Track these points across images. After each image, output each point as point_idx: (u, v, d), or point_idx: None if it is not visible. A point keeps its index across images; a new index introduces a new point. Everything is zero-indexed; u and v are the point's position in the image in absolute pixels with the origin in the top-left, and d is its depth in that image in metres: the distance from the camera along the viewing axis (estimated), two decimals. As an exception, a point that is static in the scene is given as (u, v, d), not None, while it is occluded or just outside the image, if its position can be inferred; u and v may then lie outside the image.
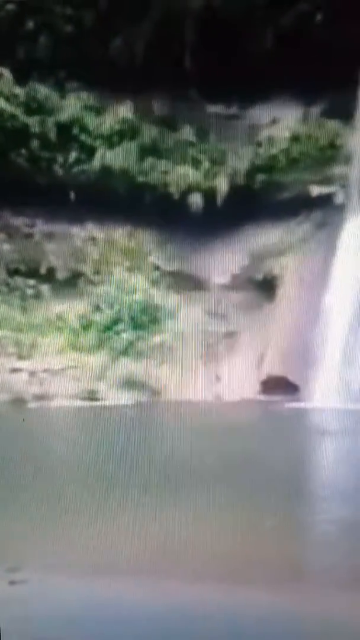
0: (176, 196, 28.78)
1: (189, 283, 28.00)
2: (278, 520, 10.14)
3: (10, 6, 29.52)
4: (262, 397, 24.54)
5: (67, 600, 6.29)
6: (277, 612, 6.57)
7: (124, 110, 30.13)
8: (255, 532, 9.54)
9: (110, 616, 5.26)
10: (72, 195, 28.69)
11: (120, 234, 29.12)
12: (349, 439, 19.96)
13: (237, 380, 24.88)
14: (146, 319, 26.70)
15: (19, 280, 28.17)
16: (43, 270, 28.58)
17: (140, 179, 29.35)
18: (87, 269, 28.53)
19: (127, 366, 24.85)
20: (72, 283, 28.14)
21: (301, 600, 6.97)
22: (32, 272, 28.33)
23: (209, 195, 28.57)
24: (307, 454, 17.41)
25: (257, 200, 27.59)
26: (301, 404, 23.68)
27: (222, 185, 28.73)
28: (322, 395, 23.96)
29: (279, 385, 24.41)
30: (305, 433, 20.83)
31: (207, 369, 24.77)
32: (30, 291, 27.98)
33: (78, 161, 29.48)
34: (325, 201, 27.48)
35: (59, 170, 29.40)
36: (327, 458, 17.55)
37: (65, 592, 6.72)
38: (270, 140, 29.00)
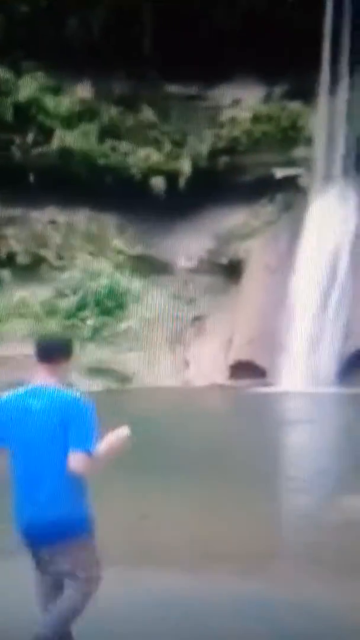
0: (138, 178, 28.43)
1: (154, 267, 27.80)
2: (245, 504, 10.01)
3: None
4: (231, 382, 24.51)
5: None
6: (246, 595, 6.56)
7: (83, 91, 29.62)
8: (221, 517, 9.45)
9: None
10: (32, 177, 28.14)
11: (82, 217, 28.73)
12: (315, 422, 20.13)
13: (206, 365, 24.82)
14: (112, 304, 26.41)
15: (-22, 266, 27.69)
16: (3, 255, 28.09)
17: (101, 161, 28.94)
18: (49, 253, 28.11)
19: (95, 353, 24.55)
20: (34, 268, 27.69)
21: (270, 584, 7.04)
22: (-8, 258, 27.86)
23: (172, 177, 28.27)
24: (274, 438, 17.46)
25: (220, 183, 27.35)
26: (269, 389, 23.73)
27: (184, 167, 28.47)
28: (290, 379, 24.04)
29: (247, 370, 24.40)
30: (273, 417, 20.91)
31: (176, 355, 24.65)
32: (-10, 277, 27.50)
33: (36, 143, 28.92)
34: (289, 183, 27.48)
35: (17, 152, 28.81)
36: (295, 441, 17.61)
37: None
38: (232, 121, 28.79)
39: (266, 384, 23.95)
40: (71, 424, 4.43)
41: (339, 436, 17.39)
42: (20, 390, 4.64)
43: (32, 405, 4.50)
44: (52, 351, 4.68)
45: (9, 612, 5.62)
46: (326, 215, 26.16)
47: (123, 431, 4.59)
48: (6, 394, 4.69)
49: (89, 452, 4.40)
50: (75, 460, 4.39)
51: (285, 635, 5.73)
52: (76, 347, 23.51)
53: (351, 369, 24.08)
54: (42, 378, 4.61)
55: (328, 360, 24.31)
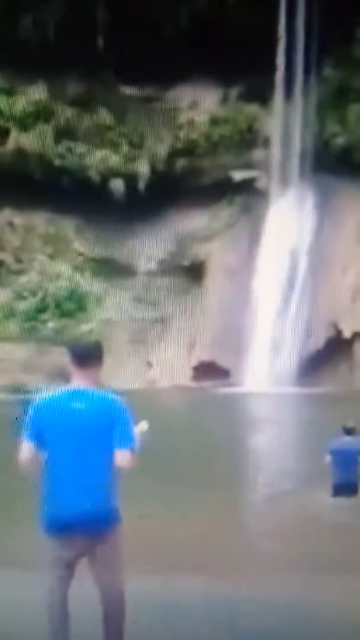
0: (96, 180, 28.33)
1: (115, 269, 27.72)
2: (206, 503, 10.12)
3: None
4: (194, 383, 24.62)
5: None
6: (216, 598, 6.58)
7: (37, 92, 29.39)
8: (181, 517, 9.51)
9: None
10: (-13, 180, 27.81)
11: (40, 219, 28.50)
12: (277, 422, 20.28)
13: (169, 366, 24.89)
14: (72, 306, 26.28)
15: None
16: None
17: (57, 162, 28.73)
18: (7, 256, 27.82)
19: (56, 356, 24.34)
20: (-8, 272, 27.44)
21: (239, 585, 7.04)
22: None
23: (131, 179, 28.27)
24: (237, 438, 17.57)
25: (179, 185, 27.48)
26: (232, 389, 23.89)
27: (143, 169, 28.47)
28: (252, 380, 24.24)
29: (210, 371, 24.56)
30: (236, 417, 21.01)
31: (139, 356, 24.68)
32: None
33: (-9, 144, 28.62)
34: (247, 186, 27.68)
35: (-29, 155, 28.45)
36: (257, 441, 17.75)
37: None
38: (190, 123, 28.88)
39: (229, 385, 24.12)
40: (115, 424, 4.69)
41: (300, 435, 17.61)
42: (60, 392, 4.83)
43: (76, 407, 4.73)
44: (90, 357, 4.87)
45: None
46: (284, 217, 26.47)
47: (143, 426, 4.90)
48: (44, 396, 4.87)
49: (133, 450, 4.69)
50: (122, 458, 4.68)
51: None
52: (36, 349, 23.27)
53: (312, 369, 24.42)
54: (79, 381, 4.79)
55: (290, 360, 24.61)
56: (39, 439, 4.79)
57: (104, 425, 4.71)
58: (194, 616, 6.03)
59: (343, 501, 10.31)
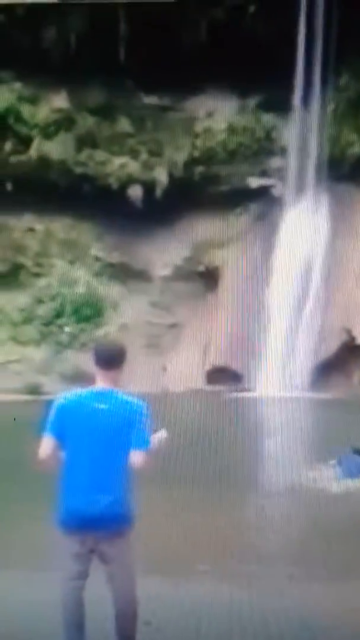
0: (115, 187, 28.81)
1: (131, 274, 28.14)
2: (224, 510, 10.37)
3: None
4: (208, 388, 24.88)
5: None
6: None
7: (59, 101, 29.95)
8: (199, 526, 9.73)
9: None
10: (9, 186, 28.42)
11: (60, 225, 29.01)
12: (289, 426, 20.31)
13: (183, 371, 25.15)
14: (89, 311, 26.72)
15: None
16: (-19, 263, 28.31)
17: (78, 169, 29.26)
18: (27, 261, 28.35)
19: (72, 359, 24.83)
20: (12, 275, 27.92)
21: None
22: (-30, 265, 28.07)
23: (149, 186, 28.70)
24: (251, 443, 17.71)
25: (196, 192, 27.88)
26: (245, 394, 24.09)
27: (161, 176, 28.90)
28: (265, 384, 24.45)
29: (224, 376, 24.82)
30: (250, 422, 21.14)
31: (153, 361, 24.95)
32: (-32, 284, 27.68)
33: (15, 152, 29.17)
34: (263, 194, 27.99)
35: (-5, 162, 29.05)
36: (271, 446, 17.90)
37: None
38: (208, 132, 29.25)
39: (242, 389, 24.32)
40: (134, 425, 5.02)
41: (312, 441, 17.78)
42: (84, 392, 5.17)
43: (99, 407, 5.05)
44: (114, 359, 5.23)
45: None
46: (299, 224, 26.71)
47: (163, 434, 5.22)
48: (67, 395, 5.22)
49: (147, 451, 5.04)
50: (138, 458, 5.00)
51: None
52: (53, 352, 23.68)
53: (325, 375, 24.61)
54: (102, 383, 5.15)
55: (303, 365, 24.80)
56: (60, 437, 5.10)
57: (124, 427, 5.03)
58: (205, 617, 6.24)
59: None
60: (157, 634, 5.81)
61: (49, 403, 5.26)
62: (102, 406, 5.07)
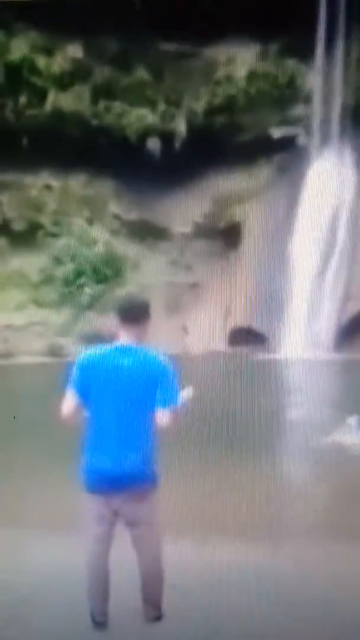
0: (133, 140, 27.95)
1: (150, 232, 27.48)
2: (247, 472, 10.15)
3: None
4: (230, 349, 24.44)
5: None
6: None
7: (74, 51, 28.93)
8: (227, 489, 9.55)
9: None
10: (25, 141, 27.65)
11: (76, 181, 28.30)
12: (313, 388, 20.18)
13: (205, 332, 24.74)
14: (109, 271, 26.20)
15: (-28, 234, 27.37)
16: (-2, 223, 27.79)
17: (95, 122, 28.42)
18: (45, 220, 27.75)
19: (93, 321, 24.40)
20: (30, 235, 27.36)
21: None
22: (-14, 225, 27.53)
23: (167, 138, 27.79)
24: (274, 405, 17.50)
25: (217, 143, 26.80)
26: (269, 355, 23.63)
27: (180, 127, 27.97)
28: (289, 345, 23.96)
29: (246, 337, 24.31)
30: (273, 384, 20.86)
31: (174, 321, 24.49)
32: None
33: (29, 105, 28.33)
34: (287, 144, 26.99)
35: (10, 116, 28.22)
36: (294, 409, 17.63)
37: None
38: (228, 78, 28.14)
39: (266, 351, 23.84)
40: (160, 383, 4.79)
41: (336, 402, 17.44)
42: (107, 348, 4.91)
43: (122, 363, 4.81)
44: (136, 313, 5.00)
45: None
46: (324, 176, 25.81)
47: (189, 392, 5.03)
48: (90, 352, 4.98)
49: (175, 410, 4.81)
50: (165, 417, 4.78)
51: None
52: (73, 314, 23.33)
53: (350, 335, 24.03)
54: (126, 338, 4.90)
55: (328, 325, 24.23)
56: (83, 393, 4.87)
57: (149, 383, 4.80)
58: (231, 582, 6.03)
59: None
60: (183, 599, 5.59)
61: (71, 362, 5.03)
62: (127, 362, 4.84)
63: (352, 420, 12.79)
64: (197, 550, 7.07)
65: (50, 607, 5.54)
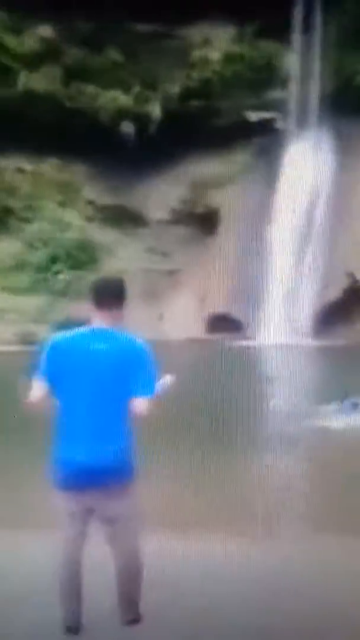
0: (107, 123, 27.33)
1: (126, 218, 26.93)
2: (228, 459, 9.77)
3: None
4: (207, 336, 24.06)
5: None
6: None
7: (45, 31, 28.27)
8: (202, 475, 9.08)
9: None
10: (-4, 123, 26.93)
11: (49, 165, 27.67)
12: (291, 375, 20.08)
13: (182, 319, 24.30)
14: (84, 257, 25.63)
15: None
16: (-32, 206, 27.08)
17: (68, 104, 27.77)
18: (17, 204, 27.09)
19: (67, 307, 23.88)
20: (2, 220, 26.71)
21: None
22: None
23: (142, 121, 27.22)
24: (253, 392, 17.25)
25: (193, 127, 26.22)
26: (246, 342, 23.30)
27: (155, 110, 27.40)
28: (267, 332, 23.62)
29: (224, 323, 23.95)
30: (251, 371, 20.68)
31: (151, 308, 24.03)
32: None
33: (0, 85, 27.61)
34: (264, 128, 26.54)
35: (-21, 97, 27.49)
36: (272, 395, 17.39)
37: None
38: (203, 61, 27.59)
39: (244, 337, 23.50)
40: (137, 369, 4.36)
41: (314, 388, 17.20)
42: (79, 331, 4.42)
43: (96, 348, 4.37)
44: (111, 294, 4.49)
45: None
46: (302, 160, 25.42)
47: (168, 379, 4.53)
48: (60, 335, 4.45)
49: (153, 398, 4.37)
50: (142, 406, 4.36)
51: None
52: (46, 300, 22.74)
53: (328, 321, 23.73)
54: (101, 322, 4.41)
55: (305, 312, 23.90)
56: (52, 380, 4.41)
57: (125, 369, 4.37)
58: (217, 579, 5.61)
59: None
60: (163, 599, 5.09)
61: (39, 347, 4.51)
62: (101, 346, 4.34)
63: (344, 403, 12.79)
64: (177, 545, 6.46)
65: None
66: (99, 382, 4.38)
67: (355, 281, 23.99)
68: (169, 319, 24.39)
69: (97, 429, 4.38)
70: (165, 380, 4.53)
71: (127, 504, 4.53)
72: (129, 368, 4.37)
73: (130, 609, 4.66)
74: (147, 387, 4.36)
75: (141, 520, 4.61)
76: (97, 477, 4.41)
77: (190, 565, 5.93)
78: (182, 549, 6.45)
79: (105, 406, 4.39)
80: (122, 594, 4.65)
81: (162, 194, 26.57)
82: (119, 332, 4.41)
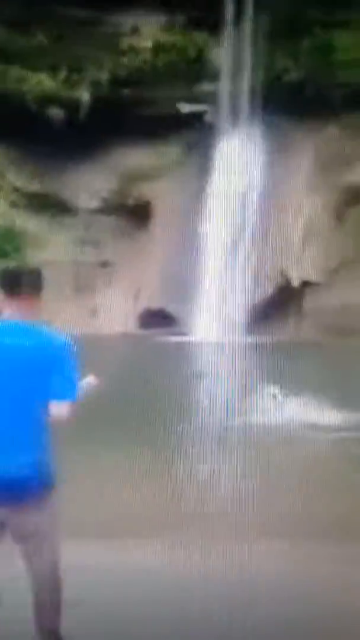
0: (33, 107, 26.32)
1: (53, 206, 26.01)
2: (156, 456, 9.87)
3: None
4: (141, 331, 23.70)
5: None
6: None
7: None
8: (129, 477, 9.03)
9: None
10: None
11: (-28, 149, 26.45)
12: (227, 371, 20.09)
13: (115, 313, 23.83)
14: (8, 247, 24.61)
15: None
16: None
17: (-9, 87, 26.56)
18: None
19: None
20: None
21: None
22: None
23: (71, 107, 26.32)
24: (185, 387, 17.17)
25: (123, 116, 25.57)
26: (181, 338, 23.09)
27: (83, 96, 26.58)
28: (201, 328, 23.48)
29: (158, 319, 23.65)
30: (184, 367, 20.55)
31: (82, 302, 23.44)
32: None
33: None
34: (196, 120, 26.19)
35: None
36: (205, 391, 17.32)
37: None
38: (133, 50, 26.96)
39: (177, 333, 23.28)
40: (55, 368, 3.90)
41: (247, 385, 17.20)
42: None
43: (9, 343, 3.89)
44: (23, 282, 4.01)
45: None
46: (234, 156, 25.27)
47: (91, 380, 4.20)
48: None
49: (73, 401, 3.96)
50: (61, 410, 3.94)
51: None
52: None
53: (261, 318, 23.80)
54: (13, 314, 3.92)
55: (239, 309, 23.86)
56: None
57: (42, 368, 3.90)
58: (145, 591, 5.44)
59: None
60: (88, 617, 4.82)
61: None
62: (9, 341, 3.88)
63: (275, 392, 12.96)
64: (103, 556, 6.29)
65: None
66: (10, 383, 3.94)
67: (286, 279, 24.11)
68: (101, 313, 23.84)
69: (7, 437, 3.96)
70: (88, 382, 4.19)
71: (45, 517, 4.11)
72: (46, 367, 3.93)
73: (50, 633, 4.24)
74: (67, 389, 3.95)
75: (59, 535, 4.24)
76: (9, 490, 3.99)
77: (115, 576, 5.66)
78: (107, 559, 6.15)
79: (17, 411, 3.96)
80: (41, 617, 4.23)
81: (92, 183, 25.85)
82: (34, 326, 3.97)
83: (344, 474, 9.42)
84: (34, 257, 24.28)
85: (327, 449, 10.70)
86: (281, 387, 13.36)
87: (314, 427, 11.61)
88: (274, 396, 13.03)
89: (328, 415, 12.06)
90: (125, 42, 27.14)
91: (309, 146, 25.37)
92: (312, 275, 23.87)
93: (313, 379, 16.06)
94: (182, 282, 23.52)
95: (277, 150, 25.13)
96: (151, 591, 5.39)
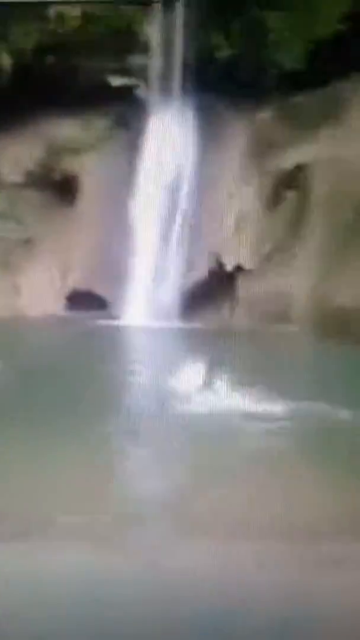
0: None
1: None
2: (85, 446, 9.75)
3: None
4: (68, 313, 22.59)
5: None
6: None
7: None
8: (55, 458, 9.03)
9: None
10: None
11: None
12: (157, 357, 19.89)
13: (40, 293, 22.59)
14: None
15: None
16: None
17: None
18: None
19: None
20: None
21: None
22: None
23: (-9, 72, 24.74)
24: (114, 373, 16.77)
25: (49, 85, 24.17)
26: (110, 321, 22.14)
27: (3, 60, 25.03)
28: (132, 312, 22.56)
29: (87, 301, 22.58)
30: (113, 352, 19.92)
31: (4, 280, 22.09)
32: None
33: None
34: (126, 94, 25.05)
35: None
36: (135, 378, 16.92)
37: None
38: (60, 17, 25.54)
39: (107, 316, 22.32)
40: None
41: (178, 371, 16.75)
42: None
43: None
44: None
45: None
46: (165, 134, 24.33)
47: None
48: None
49: None
50: None
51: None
52: None
53: (194, 303, 23.09)
54: None
55: (171, 293, 23.03)
56: None
57: None
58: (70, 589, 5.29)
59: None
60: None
61: None
62: None
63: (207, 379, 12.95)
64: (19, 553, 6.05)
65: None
66: None
67: (219, 264, 23.37)
68: (25, 293, 22.52)
69: None
70: None
71: None
72: None
73: None
74: None
75: None
76: None
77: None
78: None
79: None
80: None
81: (14, 154, 24.36)
82: None
83: (276, 464, 9.39)
84: None
85: (261, 438, 10.57)
86: (213, 374, 13.15)
87: (247, 415, 11.39)
88: (206, 383, 12.82)
89: (262, 403, 11.86)
90: (52, 10, 25.68)
91: (241, 128, 24.70)
92: (245, 261, 23.19)
93: (246, 366, 15.91)
94: (112, 262, 22.54)
95: (209, 130, 24.30)
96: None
